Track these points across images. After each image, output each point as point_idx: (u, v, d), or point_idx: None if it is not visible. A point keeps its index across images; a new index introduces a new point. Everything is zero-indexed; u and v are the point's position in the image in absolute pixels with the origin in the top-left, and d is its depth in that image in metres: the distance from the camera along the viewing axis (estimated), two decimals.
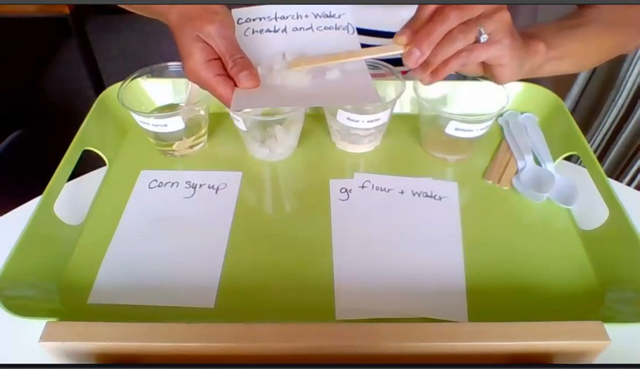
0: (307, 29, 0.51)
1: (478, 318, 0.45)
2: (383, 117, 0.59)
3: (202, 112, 0.62)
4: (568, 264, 0.51)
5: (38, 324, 0.39)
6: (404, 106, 0.68)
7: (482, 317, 0.45)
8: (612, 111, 1.23)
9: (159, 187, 0.58)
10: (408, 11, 0.74)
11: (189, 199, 0.57)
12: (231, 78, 0.45)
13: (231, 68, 0.44)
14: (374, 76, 0.64)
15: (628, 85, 1.18)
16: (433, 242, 0.52)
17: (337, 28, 0.50)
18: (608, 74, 1.22)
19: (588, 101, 1.30)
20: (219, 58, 0.45)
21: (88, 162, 0.62)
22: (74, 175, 0.57)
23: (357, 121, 0.58)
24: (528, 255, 0.51)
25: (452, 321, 0.45)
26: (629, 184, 1.20)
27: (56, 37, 2.12)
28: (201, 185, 0.58)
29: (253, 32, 0.50)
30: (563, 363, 0.41)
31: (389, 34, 0.76)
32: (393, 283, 0.48)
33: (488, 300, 0.47)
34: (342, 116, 0.58)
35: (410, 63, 0.46)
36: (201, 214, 0.55)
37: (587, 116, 1.30)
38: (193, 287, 0.48)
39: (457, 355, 0.40)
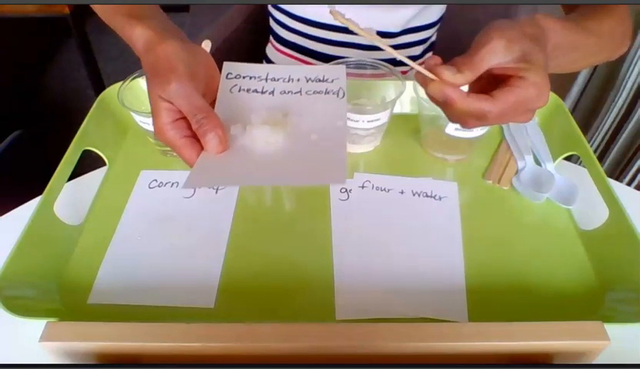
0: (295, 93, 0.48)
1: (478, 318, 0.45)
2: (383, 117, 0.59)
3: None
4: (568, 264, 0.51)
5: (38, 324, 0.39)
6: (404, 106, 0.68)
7: (482, 317, 0.45)
8: (612, 111, 1.23)
9: (159, 187, 0.58)
10: (408, 11, 0.75)
11: (189, 199, 0.57)
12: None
13: (197, 129, 0.40)
14: (374, 76, 0.65)
15: (628, 85, 1.18)
16: (433, 242, 0.52)
17: (327, 93, 0.48)
18: (608, 74, 1.22)
19: (588, 101, 1.30)
20: (185, 117, 0.42)
21: (88, 162, 0.62)
22: (74, 175, 0.57)
23: (357, 121, 0.58)
24: (528, 255, 0.51)
25: (452, 321, 0.45)
26: (629, 184, 1.20)
27: (56, 37, 2.12)
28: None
29: (239, 90, 0.48)
30: (563, 363, 0.41)
31: (389, 34, 0.76)
32: (393, 283, 0.48)
33: (488, 300, 0.47)
34: None
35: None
36: (201, 214, 0.55)
37: (587, 116, 1.30)
38: (193, 287, 0.48)
39: (457, 355, 0.40)
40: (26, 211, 0.53)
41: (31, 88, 1.95)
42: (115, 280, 0.49)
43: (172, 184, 0.58)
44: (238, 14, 0.95)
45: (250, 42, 0.95)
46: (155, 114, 0.41)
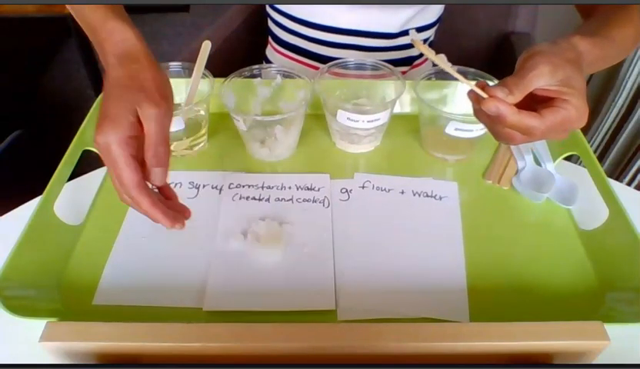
0: (287, 200, 0.56)
1: (479, 318, 0.45)
2: (383, 117, 0.59)
3: (202, 112, 0.62)
4: (568, 264, 0.51)
5: (38, 324, 0.39)
6: (404, 106, 0.68)
7: (483, 317, 0.45)
8: (612, 111, 1.23)
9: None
10: (407, 12, 0.75)
11: (193, 199, 0.57)
12: (141, 162, 0.42)
13: (151, 157, 0.41)
14: (374, 77, 0.65)
15: (628, 85, 1.18)
16: (434, 242, 0.52)
17: (314, 202, 0.56)
18: (608, 74, 1.22)
19: (588, 101, 1.30)
20: (138, 137, 0.42)
21: (88, 162, 0.62)
22: (74, 175, 0.57)
23: (357, 121, 0.58)
24: (529, 255, 0.51)
25: (454, 321, 0.45)
26: (629, 184, 1.20)
27: (56, 37, 2.12)
28: (204, 186, 0.58)
29: (240, 198, 0.56)
30: (563, 363, 0.41)
31: (388, 35, 0.76)
32: (394, 283, 0.48)
33: (489, 300, 0.47)
34: (342, 116, 0.58)
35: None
36: (206, 214, 0.55)
37: None
38: (198, 287, 0.48)
39: (457, 355, 0.40)
40: (26, 211, 0.53)
41: (31, 88, 1.95)
42: (119, 281, 0.49)
43: (175, 184, 0.58)
44: (237, 15, 0.95)
45: (250, 43, 0.95)
46: (111, 119, 0.40)
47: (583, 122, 0.44)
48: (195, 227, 0.53)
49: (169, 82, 0.44)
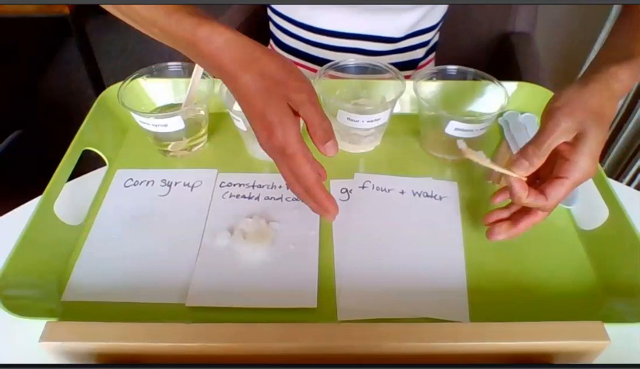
0: (277, 199, 0.56)
1: (480, 318, 0.45)
2: (383, 117, 0.59)
3: (202, 112, 0.62)
4: (568, 264, 0.51)
5: (38, 324, 0.39)
6: (404, 106, 0.68)
7: (483, 317, 0.45)
8: None
9: (135, 185, 0.58)
10: (413, 15, 0.74)
11: (164, 197, 0.57)
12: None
13: (321, 135, 0.43)
14: (375, 78, 0.65)
15: None
16: (434, 242, 0.52)
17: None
18: None
19: None
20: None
21: (88, 162, 0.62)
22: (74, 175, 0.57)
23: (357, 121, 0.58)
24: (529, 255, 0.51)
25: (454, 321, 0.45)
26: (629, 184, 1.20)
27: (56, 37, 2.12)
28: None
29: (230, 196, 0.56)
30: (563, 363, 0.41)
31: (392, 40, 0.76)
32: (394, 283, 0.48)
33: (489, 300, 0.47)
34: (342, 116, 0.58)
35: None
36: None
37: None
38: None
39: (457, 355, 0.40)
40: (26, 211, 0.53)
41: (31, 87, 1.95)
42: (90, 279, 0.48)
43: (148, 182, 0.58)
44: (237, 15, 0.95)
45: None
46: (279, 120, 0.42)
47: (591, 176, 0.45)
48: (167, 224, 0.54)
49: (286, 59, 0.44)
